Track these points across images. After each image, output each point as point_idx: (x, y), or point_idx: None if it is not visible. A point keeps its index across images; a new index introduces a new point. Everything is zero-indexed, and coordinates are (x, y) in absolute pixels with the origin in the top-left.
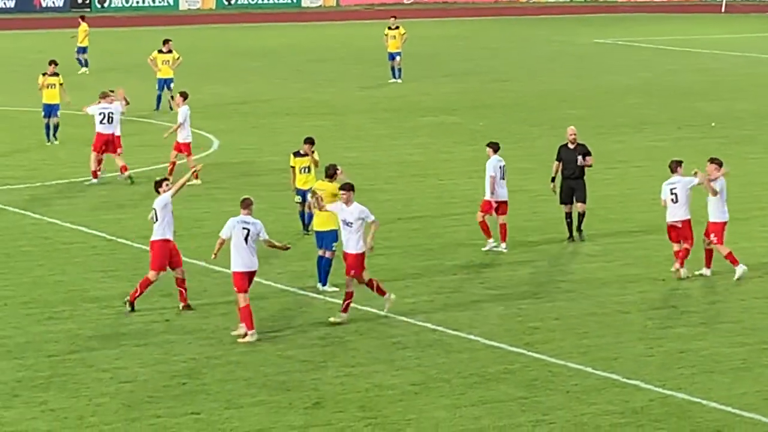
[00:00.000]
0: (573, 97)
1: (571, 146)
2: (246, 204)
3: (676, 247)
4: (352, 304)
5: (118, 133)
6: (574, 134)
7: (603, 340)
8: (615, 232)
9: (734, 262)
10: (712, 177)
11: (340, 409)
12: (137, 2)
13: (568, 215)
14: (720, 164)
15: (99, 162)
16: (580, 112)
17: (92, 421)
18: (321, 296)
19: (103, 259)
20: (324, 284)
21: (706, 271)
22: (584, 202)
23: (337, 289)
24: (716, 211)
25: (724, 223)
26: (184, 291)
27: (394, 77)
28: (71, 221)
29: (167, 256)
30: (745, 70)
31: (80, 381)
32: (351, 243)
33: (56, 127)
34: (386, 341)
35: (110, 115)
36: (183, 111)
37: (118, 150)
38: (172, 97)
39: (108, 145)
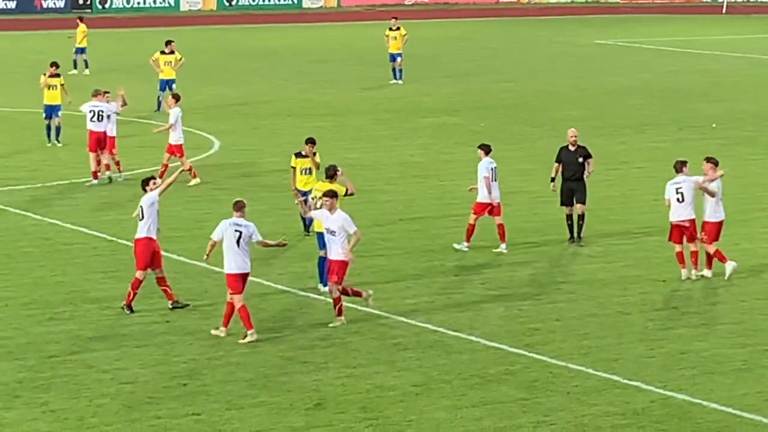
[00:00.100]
0: (574, 98)
1: (571, 148)
2: (239, 206)
3: (678, 248)
4: (353, 305)
5: (113, 133)
6: (575, 136)
7: (604, 341)
8: (616, 233)
9: (722, 259)
10: (709, 177)
11: (341, 410)
12: (138, 3)
13: (569, 217)
14: (716, 164)
15: (98, 162)
16: (581, 113)
17: (93, 422)
18: (322, 297)
19: (103, 260)
20: (325, 285)
21: (707, 272)
22: (584, 203)
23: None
24: (711, 210)
25: (720, 223)
26: (168, 289)
27: (395, 78)
28: (72, 222)
29: (151, 254)
30: (746, 71)
31: (81, 382)
32: (334, 250)
33: (58, 130)
34: (387, 342)
35: (100, 113)
36: (175, 112)
37: (113, 150)
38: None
39: (101, 142)
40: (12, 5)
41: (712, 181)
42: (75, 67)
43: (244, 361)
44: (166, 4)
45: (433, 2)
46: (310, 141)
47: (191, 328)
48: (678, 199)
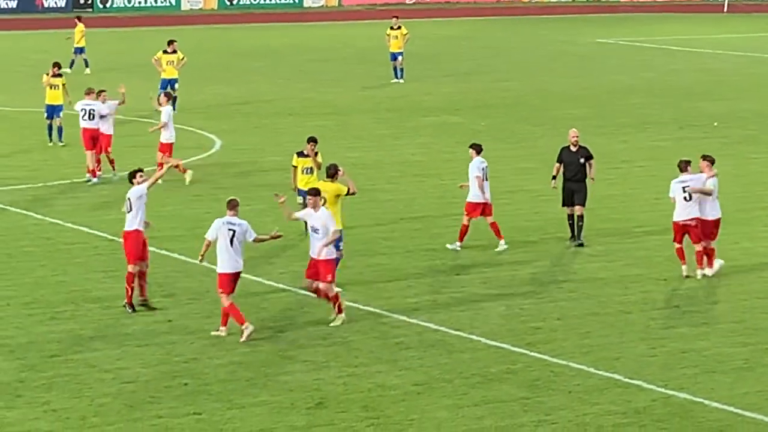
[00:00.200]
0: (575, 96)
1: (573, 148)
2: (232, 205)
3: (678, 245)
4: (353, 304)
5: (110, 132)
6: (576, 136)
7: (605, 340)
8: (617, 231)
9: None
10: (709, 174)
11: (342, 410)
12: (139, 2)
13: (570, 217)
14: (712, 162)
15: (99, 161)
16: (582, 111)
17: (94, 421)
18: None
19: (104, 260)
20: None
21: (708, 271)
22: (583, 205)
23: (340, 290)
24: (709, 208)
25: (717, 221)
26: (145, 285)
27: (397, 77)
28: (73, 221)
29: (141, 247)
30: (748, 70)
31: (82, 381)
32: (318, 248)
33: (60, 130)
34: (389, 341)
35: (92, 111)
36: (167, 111)
37: (108, 149)
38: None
39: (95, 139)
40: (13, 4)
41: (709, 179)
42: (70, 67)
43: (245, 360)
44: (167, 4)
45: (434, 1)
46: (312, 140)
47: (192, 328)
48: (685, 198)
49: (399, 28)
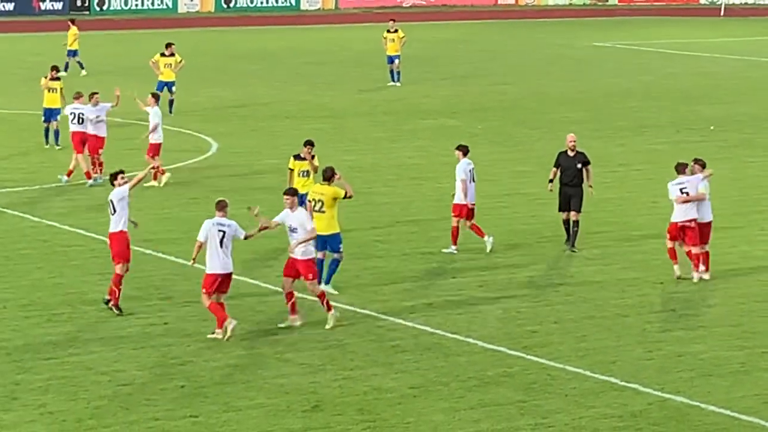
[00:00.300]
0: (572, 100)
1: (570, 153)
2: (221, 206)
3: (669, 244)
4: (349, 307)
5: (103, 134)
6: (574, 141)
7: (601, 343)
8: (614, 235)
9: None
10: (705, 174)
11: (338, 413)
12: (136, 5)
13: (566, 222)
14: (704, 165)
15: (95, 164)
16: (579, 115)
17: (91, 423)
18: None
19: (101, 262)
20: (327, 283)
21: (705, 275)
22: (579, 210)
23: (336, 292)
24: (702, 212)
25: (709, 224)
26: (120, 289)
27: (393, 80)
28: (70, 224)
29: (126, 247)
30: (744, 74)
31: (79, 383)
32: (298, 250)
33: (57, 133)
34: (385, 344)
35: (80, 115)
36: (156, 112)
37: (99, 151)
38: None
39: (85, 143)
40: (10, 7)
41: (703, 180)
42: (65, 70)
43: (242, 362)
44: (164, 6)
45: (431, 4)
46: (309, 143)
47: (189, 330)
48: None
49: (396, 31)
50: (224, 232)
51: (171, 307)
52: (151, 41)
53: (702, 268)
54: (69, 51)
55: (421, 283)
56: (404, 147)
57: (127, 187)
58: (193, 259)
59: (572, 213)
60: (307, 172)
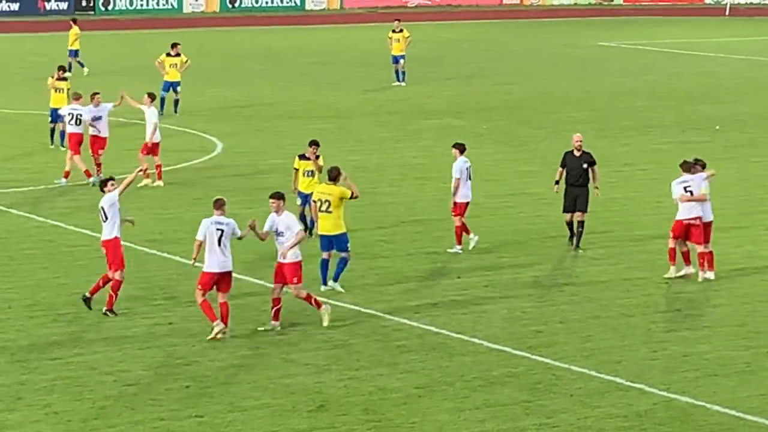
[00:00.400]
0: (577, 99)
1: (576, 153)
2: (219, 204)
3: (671, 243)
4: (354, 307)
5: (105, 134)
6: (580, 141)
7: (607, 343)
8: (619, 235)
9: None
10: (708, 174)
11: (343, 413)
12: (141, 5)
13: (570, 224)
14: (704, 166)
15: (99, 165)
16: (584, 114)
17: (96, 424)
18: (324, 299)
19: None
20: (335, 280)
21: (710, 275)
22: (584, 211)
23: (343, 291)
24: (704, 211)
25: (710, 224)
26: (105, 288)
27: (398, 80)
28: (75, 224)
29: (121, 254)
30: (749, 74)
31: (84, 384)
32: (283, 252)
33: (63, 134)
34: (390, 344)
35: (78, 116)
36: (153, 111)
37: (100, 152)
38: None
39: (82, 144)
40: (15, 7)
41: (705, 179)
42: (69, 70)
43: (247, 363)
44: (169, 6)
45: (436, 4)
46: (314, 143)
47: (194, 330)
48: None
49: (401, 31)
50: (222, 231)
51: (176, 307)
52: (156, 41)
53: (708, 267)
54: (70, 51)
55: (426, 283)
56: (409, 147)
57: (116, 192)
58: (194, 259)
59: (578, 213)
60: (312, 172)
